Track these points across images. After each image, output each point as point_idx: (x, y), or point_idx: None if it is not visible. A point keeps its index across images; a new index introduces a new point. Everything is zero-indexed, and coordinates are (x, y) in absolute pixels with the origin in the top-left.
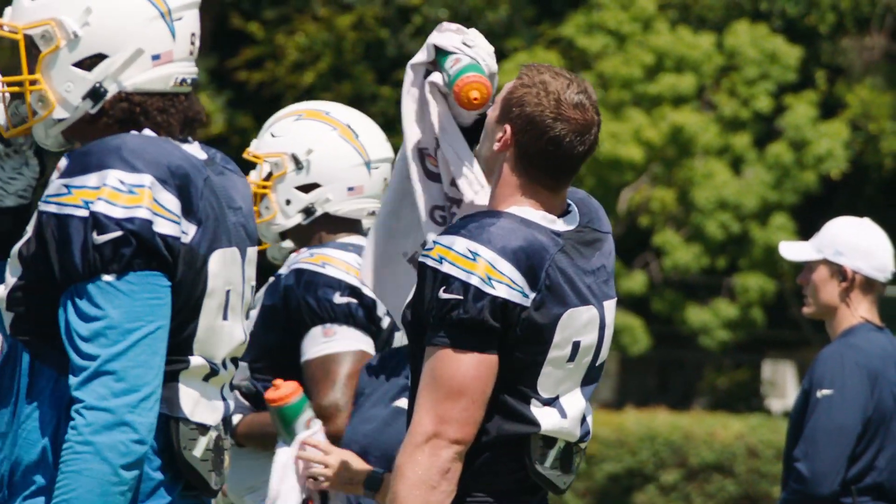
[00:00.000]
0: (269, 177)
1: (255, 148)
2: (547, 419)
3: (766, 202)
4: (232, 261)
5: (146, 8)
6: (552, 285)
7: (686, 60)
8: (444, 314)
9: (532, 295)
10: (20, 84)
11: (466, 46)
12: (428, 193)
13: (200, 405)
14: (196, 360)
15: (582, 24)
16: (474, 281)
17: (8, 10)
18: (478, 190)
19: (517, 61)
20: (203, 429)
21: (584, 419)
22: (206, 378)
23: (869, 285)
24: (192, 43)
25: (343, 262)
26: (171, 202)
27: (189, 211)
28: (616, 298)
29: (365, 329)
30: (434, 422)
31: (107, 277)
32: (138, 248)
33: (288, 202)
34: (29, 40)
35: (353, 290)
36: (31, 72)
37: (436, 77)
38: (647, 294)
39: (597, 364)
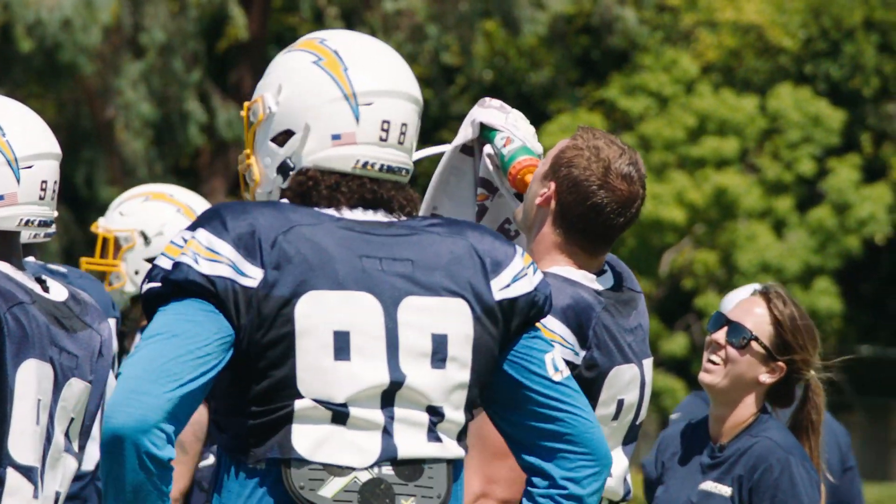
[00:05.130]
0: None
1: (105, 223)
2: None
3: (809, 266)
4: (345, 303)
5: (330, 88)
6: (599, 343)
7: (729, 123)
8: None
9: (582, 353)
10: (244, 158)
11: (514, 127)
12: None
13: (329, 446)
14: (303, 403)
15: (624, 85)
16: None
17: None
18: None
19: (560, 123)
20: (336, 469)
21: (625, 478)
22: (338, 420)
23: None
24: (385, 130)
25: None
26: (224, 248)
27: (253, 257)
28: (652, 357)
29: None
30: (482, 482)
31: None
32: (179, 290)
33: (137, 273)
34: (249, 115)
35: None
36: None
37: (489, 149)
38: (689, 356)
39: (636, 423)
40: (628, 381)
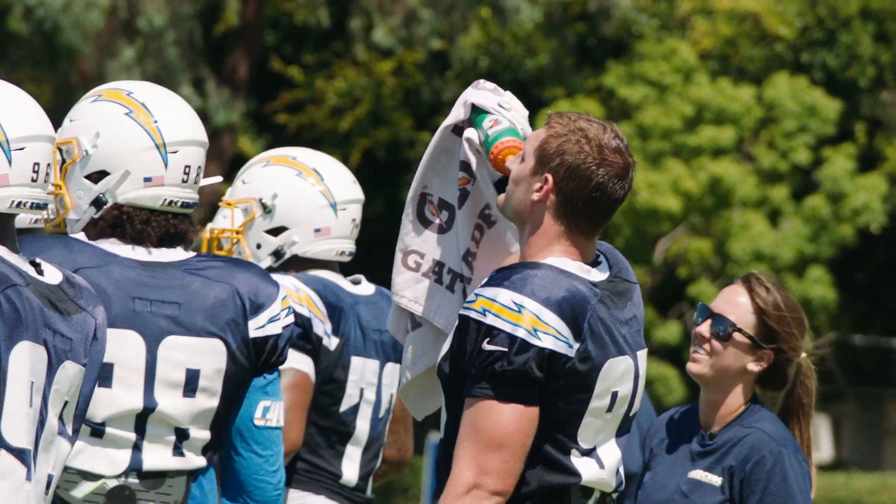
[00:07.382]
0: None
1: (229, 195)
2: (587, 469)
3: (803, 255)
4: (113, 339)
5: (143, 139)
6: (594, 335)
7: (726, 113)
8: (487, 366)
9: (576, 345)
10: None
11: (503, 108)
12: (410, 236)
13: (85, 456)
14: None
15: (623, 74)
16: (520, 333)
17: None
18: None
19: (559, 109)
20: (89, 475)
21: (617, 469)
22: (96, 435)
23: None
24: (187, 173)
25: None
26: None
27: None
28: (647, 349)
29: (299, 348)
30: (475, 473)
31: None
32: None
33: (259, 246)
34: (61, 153)
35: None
36: (59, 179)
37: (471, 133)
38: (682, 344)
39: (630, 414)
40: (622, 374)
